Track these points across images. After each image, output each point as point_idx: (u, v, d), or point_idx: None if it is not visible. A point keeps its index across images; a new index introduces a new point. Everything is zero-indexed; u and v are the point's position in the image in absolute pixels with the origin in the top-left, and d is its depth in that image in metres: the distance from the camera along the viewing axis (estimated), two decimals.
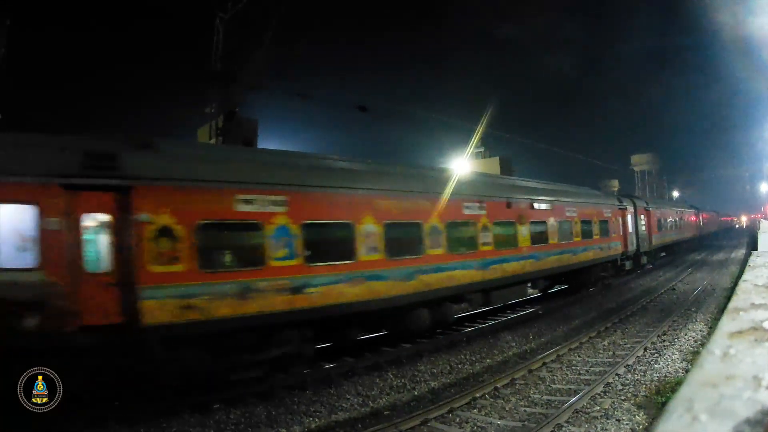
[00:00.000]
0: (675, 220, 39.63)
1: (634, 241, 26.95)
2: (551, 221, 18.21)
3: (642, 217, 28.59)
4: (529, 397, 9.24)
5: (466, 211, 14.26)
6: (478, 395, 9.19)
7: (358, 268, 11.08)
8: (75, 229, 7.89)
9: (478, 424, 8.03)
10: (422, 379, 10.63)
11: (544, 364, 11.20)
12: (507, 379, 10.07)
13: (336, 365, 11.04)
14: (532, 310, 17.71)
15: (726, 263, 32.20)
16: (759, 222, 34.71)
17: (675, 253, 38.93)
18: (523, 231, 16.48)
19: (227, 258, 9.55)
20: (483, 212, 14.78)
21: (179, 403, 8.76)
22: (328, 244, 10.82)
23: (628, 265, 26.76)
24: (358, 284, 10.98)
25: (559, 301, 19.31)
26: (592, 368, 10.78)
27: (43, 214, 7.61)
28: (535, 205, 17.43)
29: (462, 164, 28.51)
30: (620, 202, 26.07)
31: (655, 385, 9.19)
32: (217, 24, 17.56)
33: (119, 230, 8.21)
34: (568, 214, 19.47)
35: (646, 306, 17.98)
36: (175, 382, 8.87)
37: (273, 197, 9.88)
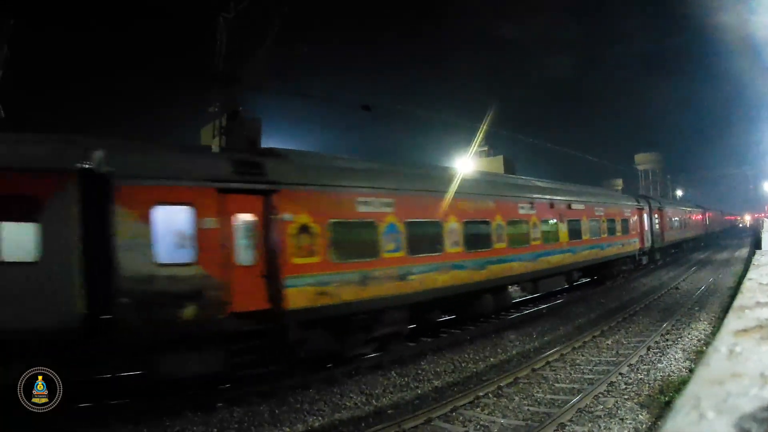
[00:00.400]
0: (684, 219, 41.76)
1: (650, 238, 29.11)
2: (584, 220, 20.69)
3: (656, 216, 30.84)
4: (533, 396, 9.24)
5: (521, 211, 16.63)
6: (481, 394, 9.19)
7: (446, 259, 13.17)
8: (227, 227, 9.11)
9: (482, 422, 8.03)
10: (425, 377, 10.64)
11: (548, 363, 11.19)
12: (510, 378, 10.07)
13: (340, 365, 11.06)
14: (536, 309, 17.72)
15: (730, 262, 32.13)
16: (763, 221, 34.64)
17: (684, 250, 40.28)
18: (563, 228, 18.99)
19: (351, 251, 11.02)
20: (533, 212, 17.20)
21: (182, 402, 8.79)
22: (424, 238, 12.71)
23: (644, 260, 29.04)
24: (445, 272, 13.08)
25: (562, 300, 19.32)
26: (595, 367, 10.77)
27: (199, 214, 8.79)
28: (572, 206, 19.88)
29: (465, 163, 28.51)
30: (638, 202, 28.50)
31: (659, 385, 9.17)
32: (220, 24, 17.57)
33: (265, 228, 9.63)
34: (596, 213, 22.01)
35: (649, 305, 17.94)
36: (306, 360, 10.43)
37: (384, 199, 11.83)
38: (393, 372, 10.93)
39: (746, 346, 1.26)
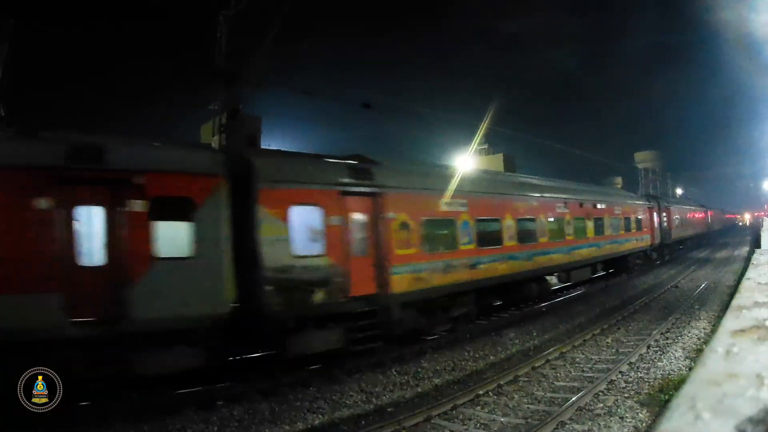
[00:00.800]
0: (689, 218, 44.48)
1: (659, 235, 31.48)
2: (606, 217, 23.33)
3: (664, 214, 33.24)
4: (533, 394, 9.25)
5: (558, 210, 19.21)
6: (481, 392, 9.21)
7: (504, 251, 15.68)
8: (346, 224, 11.04)
9: (482, 421, 8.05)
10: (426, 376, 10.65)
11: (548, 361, 11.20)
12: (510, 376, 10.08)
13: (340, 363, 11.06)
14: (535, 307, 17.74)
15: (729, 261, 32.12)
16: (762, 220, 34.62)
17: (687, 247, 42.51)
18: (590, 225, 21.59)
19: (437, 243, 13.38)
20: (567, 210, 19.80)
21: (182, 399, 8.81)
22: (488, 233, 15.22)
23: (654, 255, 31.29)
24: (503, 262, 15.60)
25: (562, 299, 19.35)
26: (595, 366, 10.78)
27: (326, 213, 10.61)
28: (597, 205, 22.52)
29: (465, 161, 28.46)
30: (648, 201, 31.10)
31: (659, 383, 9.18)
32: (220, 21, 17.54)
33: (374, 225, 11.64)
34: (616, 212, 24.66)
35: (649, 303, 17.95)
36: (402, 336, 12.30)
37: (460, 200, 14.07)
38: (393, 370, 10.94)
39: (743, 346, 1.26)
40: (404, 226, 12.22)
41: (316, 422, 8.34)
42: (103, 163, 8.25)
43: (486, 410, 8.53)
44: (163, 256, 8.49)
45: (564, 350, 11.95)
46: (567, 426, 7.62)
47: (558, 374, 10.40)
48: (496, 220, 15.68)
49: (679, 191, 76.37)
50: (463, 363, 11.49)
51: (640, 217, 28.13)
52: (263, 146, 18.50)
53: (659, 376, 9.64)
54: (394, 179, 12.40)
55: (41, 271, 7.64)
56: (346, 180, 11.22)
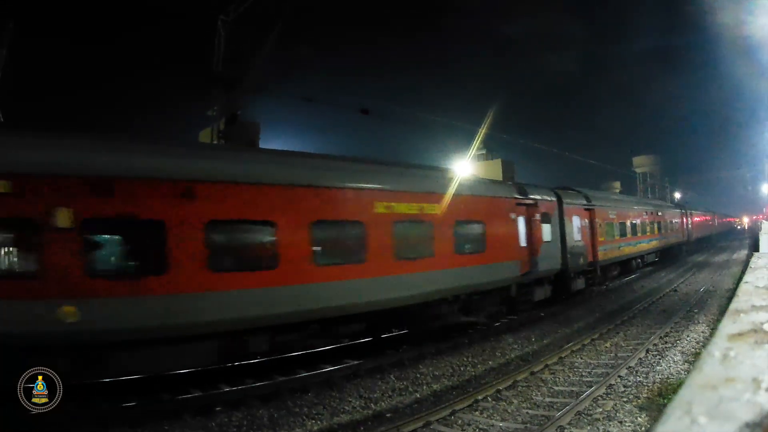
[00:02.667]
0: (704, 221, 58.45)
1: (687, 234, 42.89)
2: (664, 221, 34.31)
3: (687, 219, 43.92)
4: (532, 399, 9.23)
5: (644, 215, 30.27)
6: (480, 397, 9.19)
7: (630, 240, 26.56)
8: (586, 225, 21.07)
9: (480, 426, 8.03)
10: (424, 381, 10.63)
11: (546, 366, 11.19)
12: (509, 381, 10.07)
13: (338, 368, 11.03)
14: (533, 312, 17.71)
15: (728, 264, 32.20)
16: (761, 223, 34.67)
17: (698, 246, 49.99)
18: (655, 225, 31.78)
19: (613, 234, 24.23)
20: (646, 216, 30.43)
21: (181, 405, 8.77)
22: (626, 229, 26.01)
23: (684, 248, 41.96)
24: (628, 247, 26.39)
25: (561, 304, 19.33)
26: (594, 370, 10.78)
27: (582, 219, 20.88)
28: (658, 213, 33.64)
29: (464, 166, 28.45)
30: (680, 209, 43.62)
31: (657, 387, 9.18)
32: (219, 27, 17.57)
33: (591, 224, 21.43)
34: (666, 217, 35.66)
35: (648, 308, 17.96)
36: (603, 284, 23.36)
37: (623, 211, 26.89)
38: (392, 375, 10.91)
39: (740, 350, 1.26)
40: (600, 225, 22.17)
41: (315, 428, 8.32)
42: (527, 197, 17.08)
43: (485, 415, 8.51)
44: (545, 240, 17.47)
45: (563, 355, 11.94)
46: (566, 430, 7.61)
47: (557, 379, 10.39)
48: (629, 221, 26.71)
49: (677, 195, 76.47)
50: (461, 368, 11.47)
51: (677, 220, 39.55)
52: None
53: (658, 380, 9.63)
54: (598, 201, 22.76)
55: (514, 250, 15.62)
56: (584, 202, 21.42)
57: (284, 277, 9.68)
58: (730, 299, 10.71)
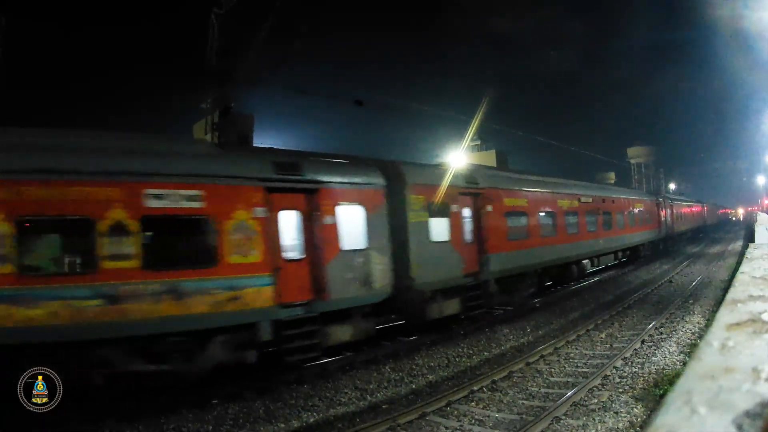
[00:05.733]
0: (703, 210, 59.46)
1: (705, 220, 50.12)
2: (691, 211, 44.16)
3: (704, 209, 51.46)
4: (527, 390, 9.26)
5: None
6: (475, 388, 9.21)
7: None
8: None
9: (476, 417, 8.05)
10: (420, 372, 10.64)
11: (542, 356, 11.22)
12: (505, 372, 10.09)
13: (334, 359, 11.03)
14: (529, 303, 17.74)
15: (723, 255, 32.30)
16: (756, 214, 34.85)
17: (692, 236, 49.55)
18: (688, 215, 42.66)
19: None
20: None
21: (177, 399, 8.76)
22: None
23: (700, 234, 50.34)
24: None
25: (556, 294, 19.40)
26: (589, 361, 10.81)
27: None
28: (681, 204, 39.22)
29: (458, 157, 28.44)
30: (700, 203, 49.95)
31: (653, 378, 9.22)
32: (212, 19, 17.47)
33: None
34: (693, 208, 43.15)
35: (643, 298, 18.03)
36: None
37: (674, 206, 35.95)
38: (387, 367, 10.93)
39: (739, 340, 1.25)
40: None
41: (311, 420, 8.33)
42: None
43: (480, 406, 8.53)
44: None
45: (558, 346, 11.97)
46: (562, 421, 7.63)
47: (552, 370, 10.42)
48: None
49: (672, 186, 76.74)
50: (457, 359, 11.49)
51: (700, 210, 44.88)
52: (255, 144, 18.40)
53: (654, 370, 9.66)
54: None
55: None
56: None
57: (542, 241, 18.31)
58: (725, 290, 10.76)
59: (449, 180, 13.77)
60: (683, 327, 12.91)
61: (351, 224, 11.19)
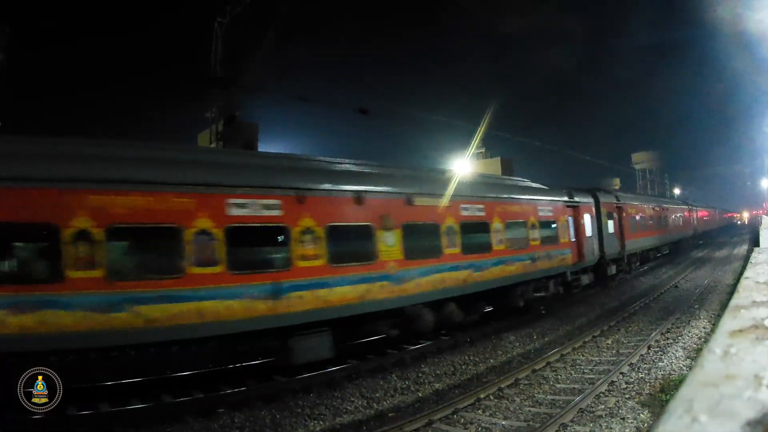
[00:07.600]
0: (711, 216, 65.46)
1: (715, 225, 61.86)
2: (701, 217, 50.87)
3: (704, 215, 57.43)
4: (534, 397, 9.23)
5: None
6: (482, 396, 9.18)
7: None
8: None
9: (483, 424, 8.02)
10: (426, 380, 10.62)
11: (548, 363, 11.18)
12: (511, 380, 10.06)
13: (340, 368, 11.01)
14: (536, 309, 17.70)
15: (729, 259, 32.13)
16: (761, 218, 34.66)
17: (698, 240, 51.17)
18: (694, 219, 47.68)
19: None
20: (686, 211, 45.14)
21: (183, 406, 8.76)
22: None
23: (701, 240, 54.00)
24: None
25: (562, 302, 19.33)
26: (596, 367, 10.77)
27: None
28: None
29: (463, 165, 28.44)
30: (707, 207, 57.70)
31: (660, 383, 9.17)
32: (216, 29, 17.58)
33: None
34: (700, 213, 46.45)
35: (649, 304, 17.96)
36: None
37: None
38: (394, 375, 10.91)
39: (741, 346, 1.25)
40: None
41: (317, 429, 8.32)
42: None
43: (487, 414, 8.51)
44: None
45: (564, 352, 11.94)
46: (569, 428, 7.61)
47: (559, 376, 10.38)
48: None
49: (677, 191, 76.53)
50: (463, 367, 11.46)
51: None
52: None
53: (660, 376, 9.63)
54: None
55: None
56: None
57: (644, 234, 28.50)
58: (731, 295, 10.69)
59: (613, 200, 23.93)
60: (689, 332, 12.85)
61: (587, 223, 20.28)
